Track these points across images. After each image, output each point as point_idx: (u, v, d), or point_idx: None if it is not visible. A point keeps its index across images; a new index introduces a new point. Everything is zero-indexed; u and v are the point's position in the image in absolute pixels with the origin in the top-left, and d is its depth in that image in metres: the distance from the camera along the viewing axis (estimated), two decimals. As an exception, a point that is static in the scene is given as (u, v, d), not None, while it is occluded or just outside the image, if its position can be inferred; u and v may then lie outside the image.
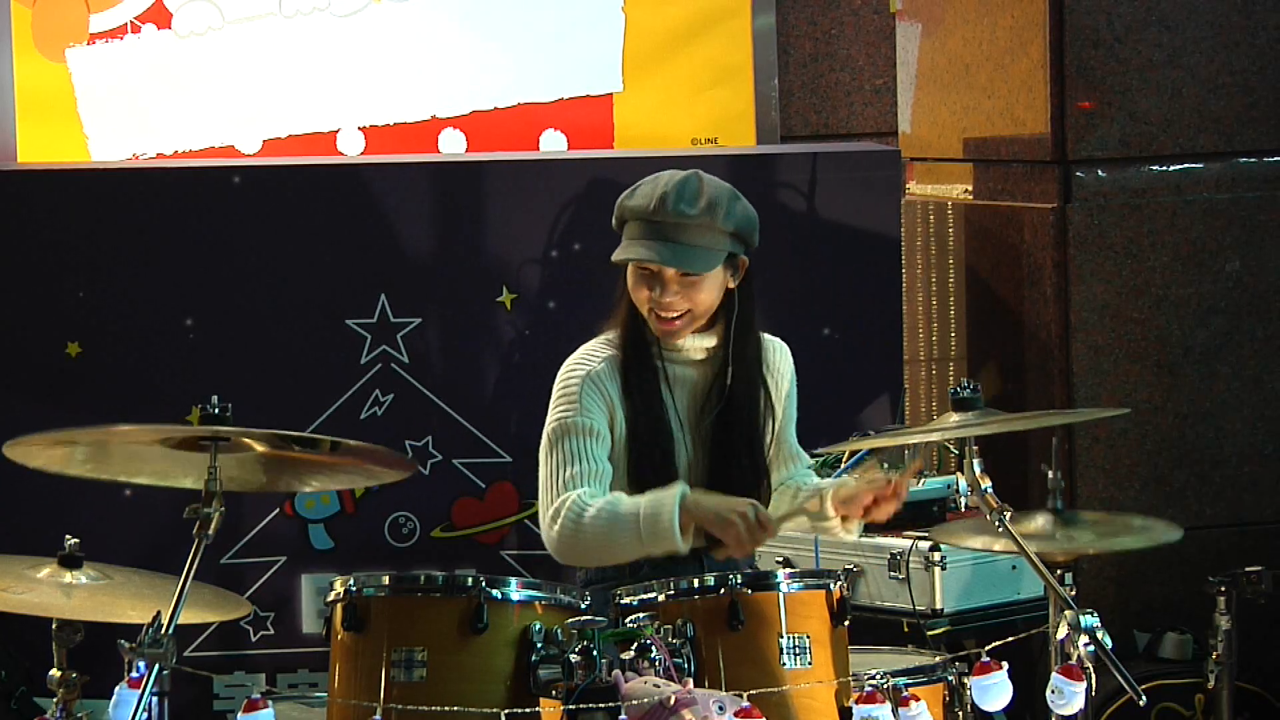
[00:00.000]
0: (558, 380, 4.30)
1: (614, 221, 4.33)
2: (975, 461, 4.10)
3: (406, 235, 5.80)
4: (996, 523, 4.07)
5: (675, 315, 4.26)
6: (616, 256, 4.26)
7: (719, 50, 6.67)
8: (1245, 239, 5.97)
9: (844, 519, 4.28)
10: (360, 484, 5.29)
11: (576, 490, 4.16)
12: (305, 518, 5.78)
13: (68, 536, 3.99)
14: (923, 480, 5.30)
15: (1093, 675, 3.89)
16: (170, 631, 3.57)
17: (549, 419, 4.27)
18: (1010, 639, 4.18)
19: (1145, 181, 5.98)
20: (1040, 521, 4.53)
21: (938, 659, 4.19)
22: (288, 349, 5.76)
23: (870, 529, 5.12)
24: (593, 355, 4.30)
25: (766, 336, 4.45)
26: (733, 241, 4.27)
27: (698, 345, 4.33)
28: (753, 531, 4.04)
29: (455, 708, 3.67)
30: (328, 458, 3.94)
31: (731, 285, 4.31)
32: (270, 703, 3.78)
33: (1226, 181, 6.00)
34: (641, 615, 3.77)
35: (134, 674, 3.65)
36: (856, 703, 3.80)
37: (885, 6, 6.93)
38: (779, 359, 4.46)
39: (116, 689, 3.72)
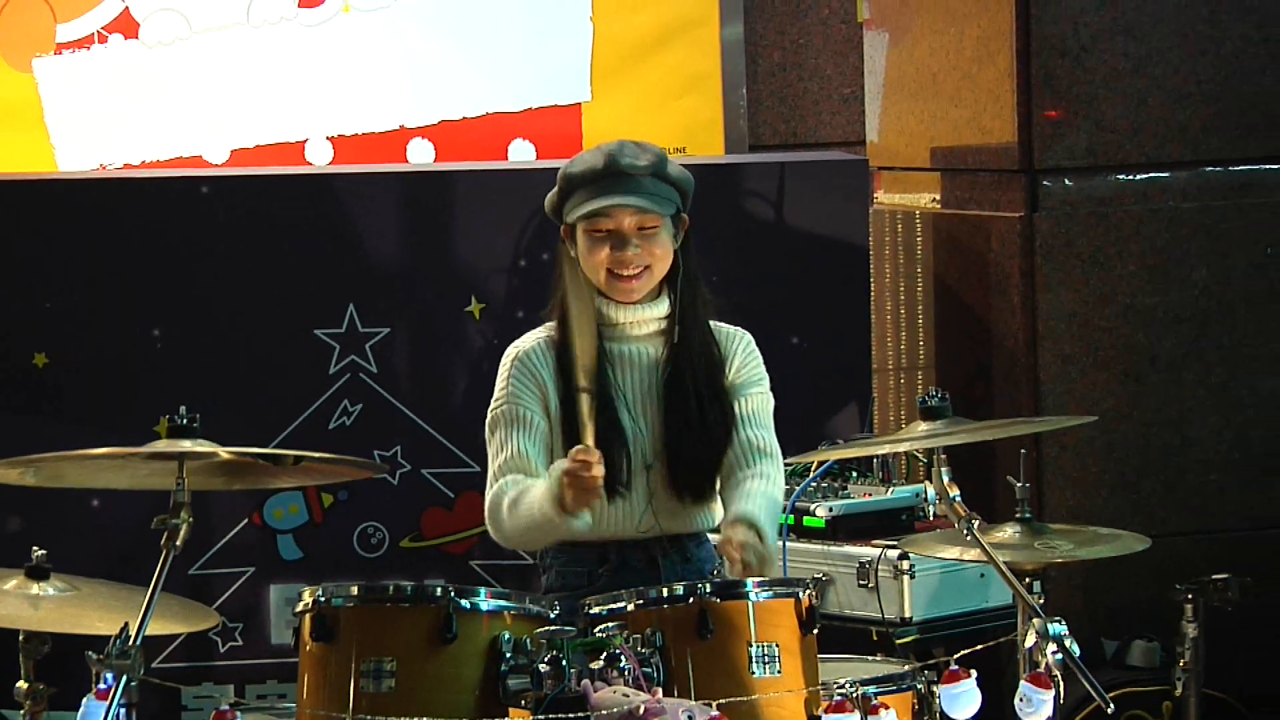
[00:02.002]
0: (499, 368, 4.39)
1: (555, 197, 4.34)
2: (943, 470, 4.10)
3: (375, 245, 5.80)
4: (965, 531, 4.07)
5: (634, 272, 4.27)
6: (578, 214, 4.26)
7: (687, 60, 6.68)
8: (1211, 248, 5.99)
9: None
10: (329, 482, 5.36)
11: (502, 480, 4.25)
12: (274, 528, 5.78)
13: (34, 548, 3.98)
14: (891, 490, 5.30)
15: (1061, 683, 3.89)
16: (138, 643, 3.56)
17: (491, 403, 4.37)
18: (979, 647, 4.18)
19: (1112, 190, 5.99)
20: (1009, 532, 4.54)
21: (906, 667, 4.20)
22: (256, 359, 5.75)
23: (837, 536, 5.17)
24: (527, 338, 4.37)
25: (723, 326, 4.45)
26: (679, 196, 4.33)
27: (648, 316, 4.34)
28: (580, 481, 4.02)
29: (425, 718, 3.66)
30: (289, 470, 3.95)
31: (675, 245, 4.34)
32: (239, 714, 3.78)
33: (1193, 190, 6.01)
34: (610, 625, 3.77)
35: (102, 685, 3.63)
36: (826, 711, 3.80)
37: (853, 16, 6.94)
38: (732, 344, 4.41)
39: (84, 701, 3.71)
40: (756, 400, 4.40)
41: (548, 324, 4.38)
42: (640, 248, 4.27)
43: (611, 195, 4.25)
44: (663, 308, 4.35)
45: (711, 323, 4.42)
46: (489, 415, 4.35)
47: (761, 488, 4.27)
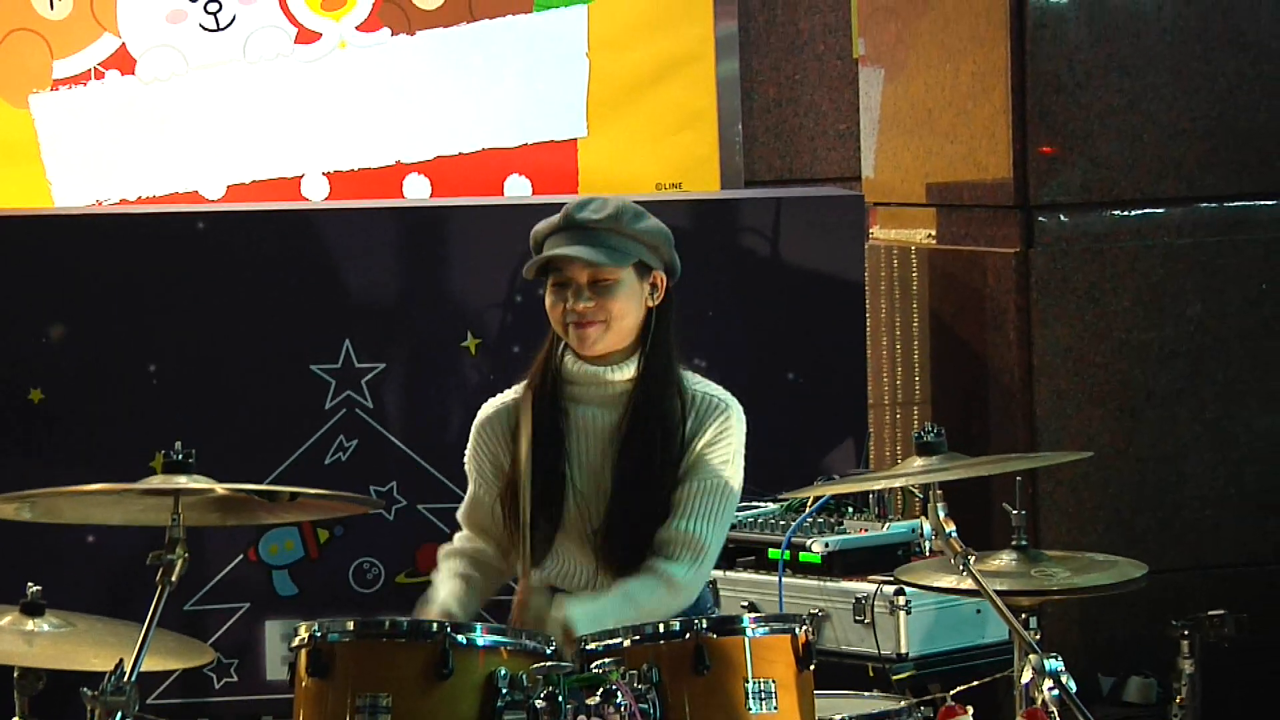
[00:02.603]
0: None
1: (530, 260, 4.29)
2: (940, 506, 4.11)
3: (370, 280, 5.81)
4: (961, 567, 4.07)
5: (587, 322, 4.22)
6: (528, 267, 4.23)
7: (683, 95, 6.69)
8: (1206, 283, 5.99)
9: None
10: (324, 518, 5.45)
11: (460, 533, 4.45)
12: (269, 564, 5.77)
13: (30, 584, 3.98)
14: (887, 526, 5.29)
15: (1057, 719, 3.89)
16: (133, 679, 3.56)
17: None
18: (975, 683, 4.24)
19: (1107, 226, 5.99)
20: (1005, 559, 4.53)
21: (903, 703, 4.20)
22: (251, 394, 5.75)
23: (833, 572, 5.15)
24: (492, 402, 4.39)
25: (710, 393, 4.32)
26: (644, 250, 4.24)
27: (612, 378, 4.28)
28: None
29: (420, 754, 3.65)
30: (286, 505, 3.96)
31: (651, 304, 4.28)
32: (235, 750, 3.78)
33: (1187, 226, 6.01)
34: (607, 660, 3.76)
35: (97, 722, 3.60)
36: (822, 747, 3.80)
37: (849, 52, 6.95)
38: (711, 416, 4.27)
39: (79, 737, 3.69)
40: (709, 485, 4.23)
41: (523, 383, 4.35)
42: (594, 300, 4.22)
43: (560, 246, 4.22)
44: (628, 371, 4.28)
45: (701, 387, 4.31)
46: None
47: (632, 589, 4.17)
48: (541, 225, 4.29)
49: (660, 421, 4.25)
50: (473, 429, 4.38)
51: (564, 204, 4.29)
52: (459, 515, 4.44)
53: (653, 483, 4.23)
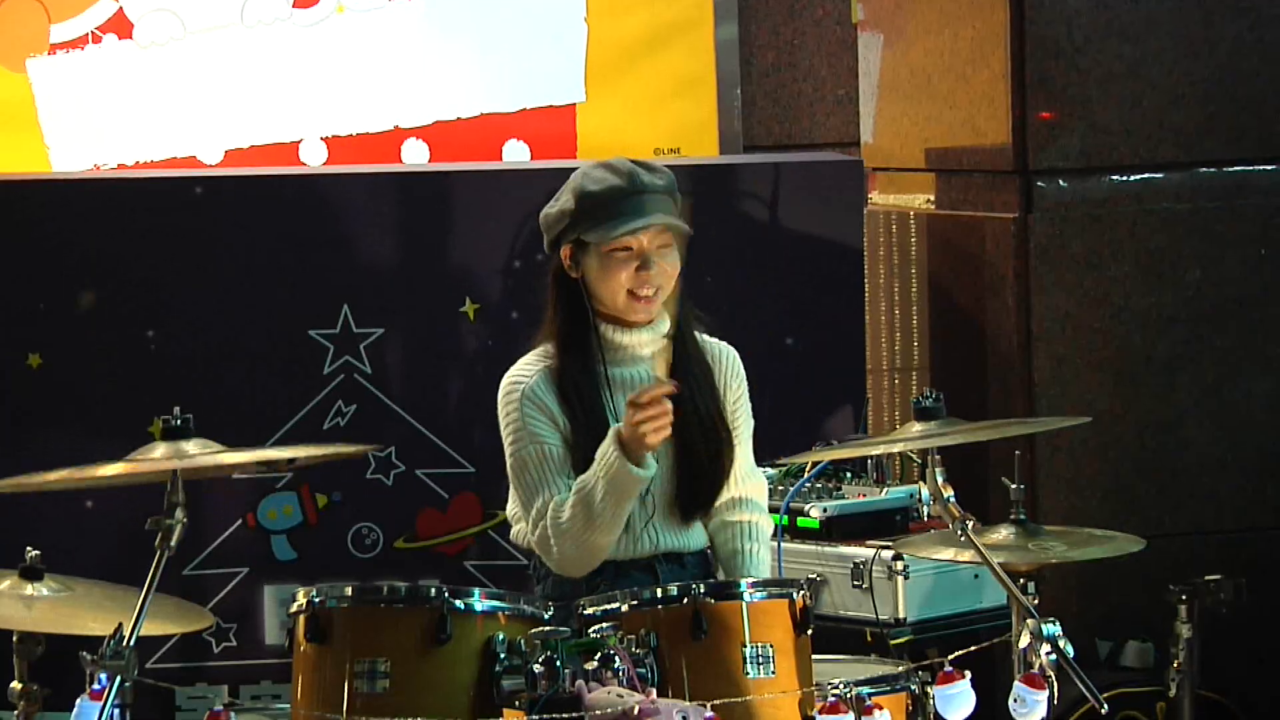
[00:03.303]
0: (500, 400, 4.32)
1: (564, 217, 4.26)
2: (938, 471, 4.10)
3: (369, 246, 5.79)
4: (960, 533, 4.07)
5: (653, 291, 4.24)
6: (616, 235, 4.19)
7: (681, 61, 6.67)
8: (1205, 249, 5.98)
9: None
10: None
11: (548, 508, 4.20)
12: (268, 529, 5.77)
13: (28, 548, 3.98)
14: (886, 491, 5.30)
15: (1055, 684, 3.90)
16: (132, 643, 3.56)
17: (506, 448, 4.30)
18: (973, 648, 4.19)
19: (1106, 192, 5.98)
20: (1003, 533, 4.54)
21: (901, 668, 4.19)
22: (250, 360, 5.74)
23: (832, 537, 5.15)
24: (525, 371, 4.30)
25: (709, 339, 4.44)
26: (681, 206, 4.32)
27: (652, 337, 4.31)
28: (648, 414, 4.07)
29: (419, 719, 3.66)
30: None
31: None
32: (233, 714, 3.78)
33: (1187, 192, 6.00)
34: (605, 625, 3.77)
35: (96, 686, 3.62)
36: (820, 712, 3.80)
37: (847, 17, 6.93)
38: (724, 363, 4.42)
39: (78, 701, 3.68)
40: (747, 429, 4.42)
41: (540, 350, 4.34)
42: (659, 268, 4.24)
43: (645, 214, 4.20)
44: (664, 327, 4.33)
45: (699, 336, 4.40)
46: (512, 458, 4.28)
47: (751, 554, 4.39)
48: (599, 186, 4.23)
49: (703, 375, 4.33)
50: (520, 405, 4.24)
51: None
52: (542, 509, 4.24)
53: (708, 438, 4.31)
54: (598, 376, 4.28)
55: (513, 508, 4.35)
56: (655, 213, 4.21)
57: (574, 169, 4.37)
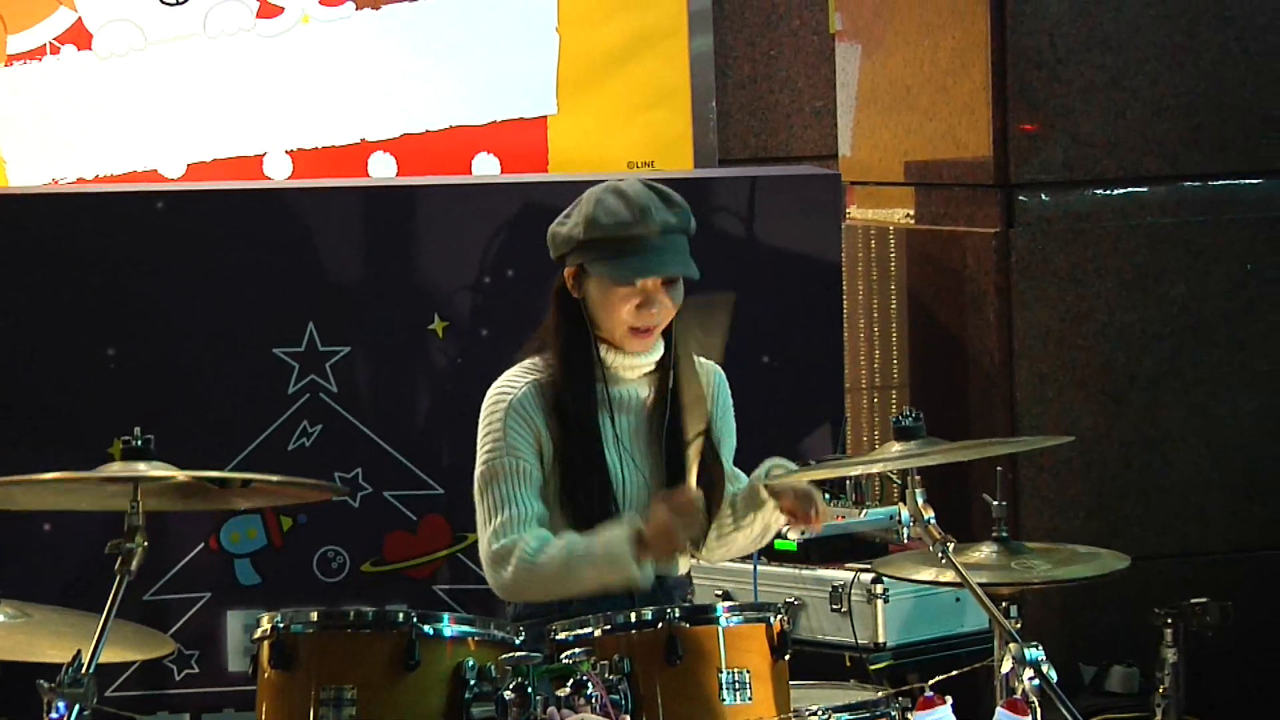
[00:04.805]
0: (483, 410, 4.26)
1: (572, 239, 4.21)
2: (918, 492, 4.09)
3: (335, 262, 5.76)
4: (940, 555, 4.06)
5: (653, 326, 4.22)
6: (619, 277, 4.15)
7: (655, 72, 6.67)
8: (1190, 264, 5.98)
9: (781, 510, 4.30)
10: (286, 504, 5.43)
11: (518, 535, 4.13)
12: (231, 552, 5.73)
13: (-17, 573, 3.93)
14: (864, 512, 5.26)
15: (1038, 709, 3.89)
16: (91, 671, 3.55)
17: (479, 456, 4.23)
18: (954, 673, 4.22)
19: (1089, 205, 5.97)
20: (985, 551, 4.53)
21: (880, 694, 4.19)
22: (213, 378, 5.70)
23: (809, 559, 5.11)
24: (514, 382, 4.25)
25: (697, 359, 4.40)
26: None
27: (644, 362, 4.28)
28: (678, 523, 4.04)
29: (386, 747, 3.64)
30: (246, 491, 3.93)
31: None
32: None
33: (1171, 205, 6.00)
34: (577, 651, 3.74)
35: (54, 715, 3.57)
36: (799, 740, 3.79)
37: (825, 27, 6.96)
38: (711, 383, 4.40)
39: (35, 730, 3.65)
40: (728, 449, 4.41)
41: (531, 361, 4.28)
42: (664, 304, 4.22)
43: (660, 255, 4.16)
44: (659, 351, 4.29)
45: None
46: (483, 465, 4.21)
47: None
48: (610, 217, 4.17)
49: (698, 401, 4.28)
50: (505, 417, 4.18)
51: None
52: (505, 524, 4.16)
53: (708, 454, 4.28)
54: (595, 394, 4.25)
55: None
56: (664, 259, 4.17)
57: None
